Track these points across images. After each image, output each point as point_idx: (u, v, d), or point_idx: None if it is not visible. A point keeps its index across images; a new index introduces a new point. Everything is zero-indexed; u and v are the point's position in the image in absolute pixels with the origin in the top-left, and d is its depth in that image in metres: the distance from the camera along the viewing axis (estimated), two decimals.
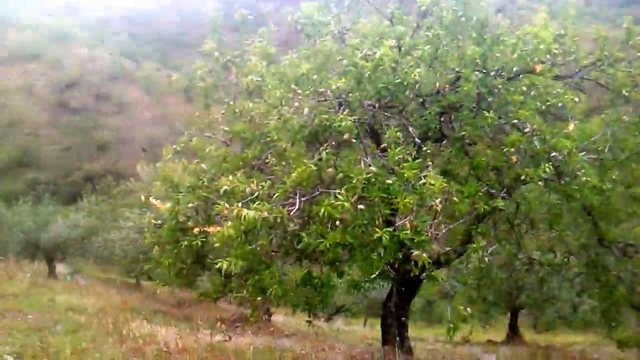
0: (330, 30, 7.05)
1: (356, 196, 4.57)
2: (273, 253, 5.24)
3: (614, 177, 8.24)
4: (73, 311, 12.66)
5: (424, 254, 4.70)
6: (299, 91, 5.13)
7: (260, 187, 4.75)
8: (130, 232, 18.90)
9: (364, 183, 4.62)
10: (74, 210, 25.85)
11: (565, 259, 12.64)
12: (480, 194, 6.11)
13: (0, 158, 65.77)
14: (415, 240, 4.69)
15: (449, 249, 7.88)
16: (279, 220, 4.38)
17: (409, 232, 4.66)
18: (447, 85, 6.72)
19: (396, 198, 4.69)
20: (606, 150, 8.85)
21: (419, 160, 5.00)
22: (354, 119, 5.03)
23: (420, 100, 6.57)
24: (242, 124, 5.93)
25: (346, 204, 4.45)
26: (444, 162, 6.78)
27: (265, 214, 4.36)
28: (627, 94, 8.59)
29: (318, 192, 4.87)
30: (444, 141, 6.82)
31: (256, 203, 4.49)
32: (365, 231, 4.76)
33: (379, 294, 19.74)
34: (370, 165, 4.86)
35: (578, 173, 6.57)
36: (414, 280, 8.88)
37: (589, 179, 6.56)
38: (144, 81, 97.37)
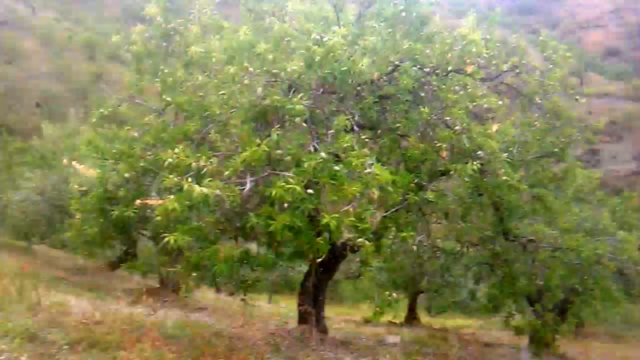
0: (270, 7, 7.02)
1: (306, 181, 4.66)
2: (218, 231, 5.21)
3: (519, 176, 8.95)
4: None
5: (367, 241, 4.91)
6: (251, 69, 5.09)
7: (209, 163, 4.69)
8: (31, 193, 17.69)
9: (314, 168, 4.71)
10: None
11: (465, 249, 13.58)
12: (412, 185, 6.42)
13: None
14: (360, 227, 4.87)
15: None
16: (231, 199, 4.38)
17: (353, 219, 4.83)
18: (383, 76, 6.95)
19: (343, 185, 4.83)
20: (514, 150, 9.57)
21: (364, 149, 5.16)
22: (307, 103, 5.08)
23: (358, 88, 6.73)
24: (184, 96, 5.78)
25: (297, 188, 4.52)
26: (377, 152, 7.02)
27: (217, 191, 4.33)
28: (539, 100, 9.33)
29: (266, 174, 4.90)
30: (379, 131, 7.05)
31: (207, 180, 4.44)
32: (312, 215, 4.87)
33: (282, 271, 20.08)
34: (318, 151, 4.95)
35: (499, 172, 7.08)
36: (333, 261, 9.14)
37: (507, 178, 7.11)
38: (42, 31, 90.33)
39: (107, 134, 6.90)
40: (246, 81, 5.15)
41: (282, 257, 6.05)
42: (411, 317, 22.53)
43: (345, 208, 4.98)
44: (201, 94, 5.89)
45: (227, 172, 4.67)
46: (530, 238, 10.39)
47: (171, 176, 4.44)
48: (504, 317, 12.34)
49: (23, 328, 6.84)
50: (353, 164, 4.90)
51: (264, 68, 5.15)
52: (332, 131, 5.19)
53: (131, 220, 6.10)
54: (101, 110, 7.12)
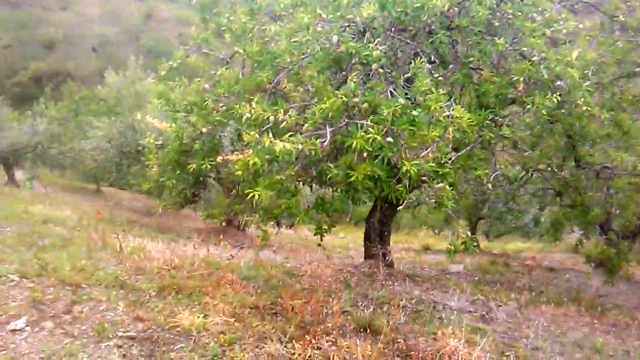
0: None
1: (386, 129, 4.57)
2: (298, 182, 5.25)
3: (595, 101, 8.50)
4: (52, 223, 12.52)
5: (446, 185, 4.84)
6: (324, 16, 4.92)
7: (288, 116, 4.66)
8: (102, 141, 18.38)
9: (393, 115, 4.61)
10: (30, 115, 24.86)
11: (531, 175, 13.27)
12: (487, 122, 6.21)
13: None
14: (440, 172, 4.80)
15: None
16: (313, 152, 4.36)
17: (433, 164, 4.75)
18: (454, 7, 6.59)
19: (423, 130, 4.73)
20: (589, 73, 9.03)
21: (443, 92, 4.98)
22: (382, 48, 4.90)
23: (429, 22, 6.42)
24: (254, 46, 5.69)
25: (377, 137, 4.45)
26: (449, 89, 6.78)
27: (300, 146, 4.32)
28: (623, 18, 8.68)
29: (344, 123, 4.83)
30: (451, 66, 6.78)
31: (288, 134, 4.43)
32: (391, 163, 4.81)
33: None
34: (396, 97, 4.82)
35: (578, 102, 6.73)
36: (397, 197, 9.14)
37: (588, 107, 6.76)
38: None
39: (178, 86, 6.92)
40: (319, 28, 4.99)
41: (357, 202, 6.07)
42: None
43: (424, 153, 4.89)
44: (271, 42, 5.78)
45: (306, 125, 4.64)
46: (605, 165, 9.99)
47: (251, 132, 4.45)
48: (571, 242, 12.15)
49: (113, 277, 7.28)
50: (432, 107, 4.74)
51: (338, 14, 4.96)
52: (407, 74, 5.01)
53: (206, 172, 6.23)
54: (170, 63, 7.13)
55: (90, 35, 76.74)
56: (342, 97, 4.61)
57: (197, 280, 7.51)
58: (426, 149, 4.92)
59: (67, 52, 72.72)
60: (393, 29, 5.52)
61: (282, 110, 4.72)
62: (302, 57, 5.44)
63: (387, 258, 10.80)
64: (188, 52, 7.21)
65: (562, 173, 11.03)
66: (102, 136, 18.30)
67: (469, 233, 5.73)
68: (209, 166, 6.06)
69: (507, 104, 7.16)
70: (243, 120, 4.85)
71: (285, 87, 5.32)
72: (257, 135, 4.43)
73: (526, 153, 11.06)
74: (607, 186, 9.67)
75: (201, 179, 7.09)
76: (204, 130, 5.85)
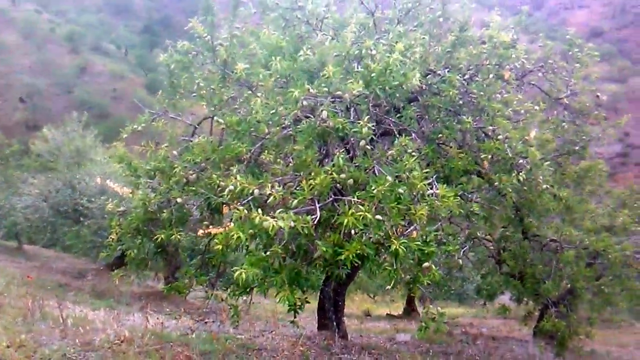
0: (306, 14, 6.81)
1: (375, 206, 4.52)
2: (283, 260, 5.06)
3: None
4: None
5: (431, 265, 4.81)
6: (312, 91, 4.91)
7: (275, 191, 4.53)
8: (37, 199, 17.32)
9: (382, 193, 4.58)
10: None
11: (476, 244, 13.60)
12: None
13: None
14: (426, 250, 4.77)
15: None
16: (305, 230, 4.23)
17: (419, 242, 4.72)
18: (424, 86, 6.81)
19: (409, 209, 4.72)
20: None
21: (427, 170, 5.03)
22: (371, 125, 4.93)
23: (402, 99, 6.57)
24: (235, 116, 5.58)
25: (368, 215, 4.39)
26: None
27: (292, 223, 4.18)
28: (566, 101, 9.27)
29: (331, 199, 4.74)
30: (418, 141, 6.93)
31: (279, 210, 4.29)
32: (380, 242, 4.74)
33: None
34: (383, 174, 4.81)
35: (539, 180, 7.01)
36: (353, 266, 9.07)
37: (549, 186, 7.06)
38: (23, 24, 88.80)
39: (145, 150, 6.65)
40: (305, 102, 4.97)
41: (336, 278, 5.94)
42: (410, 309, 22.68)
43: (408, 231, 4.86)
44: (240, 110, 5.70)
45: (295, 202, 4.51)
46: (552, 238, 10.39)
47: (239, 207, 4.27)
48: (522, 315, 12.46)
49: (59, 354, 6.65)
50: (417, 185, 4.77)
51: (325, 89, 4.96)
52: (391, 152, 5.04)
53: (176, 242, 5.93)
54: (134, 126, 6.87)
55: (18, 85, 74.27)
56: (332, 174, 4.55)
57: (151, 357, 6.99)
58: (409, 227, 4.91)
59: None
60: (372, 105, 5.59)
61: (268, 185, 4.59)
62: (283, 129, 5.38)
63: (340, 329, 10.55)
64: (154, 116, 6.99)
65: (506, 244, 11.36)
66: (37, 194, 17.29)
67: (439, 309, 5.68)
68: (179, 237, 5.78)
69: (472, 180, 7.36)
70: (226, 192, 4.67)
71: (266, 158, 5.22)
72: (242, 209, 4.27)
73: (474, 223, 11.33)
74: (557, 259, 10.01)
75: (164, 248, 6.72)
76: (179, 200, 5.59)
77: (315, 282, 5.24)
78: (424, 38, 6.23)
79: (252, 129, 5.59)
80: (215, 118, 5.97)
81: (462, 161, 6.68)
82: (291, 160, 5.32)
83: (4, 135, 25.05)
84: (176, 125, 6.93)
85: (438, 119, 6.91)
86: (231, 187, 4.66)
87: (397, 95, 5.97)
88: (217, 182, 5.14)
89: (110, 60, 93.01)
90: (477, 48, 7.21)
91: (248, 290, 5.53)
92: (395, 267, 4.72)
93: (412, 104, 6.33)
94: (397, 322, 19.43)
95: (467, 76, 7.02)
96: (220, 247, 4.67)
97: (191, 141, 6.76)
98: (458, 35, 6.93)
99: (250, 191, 4.64)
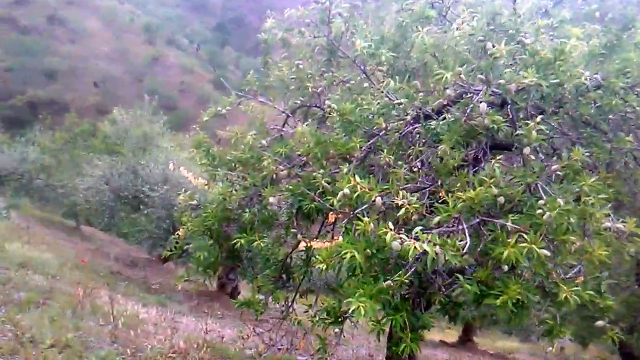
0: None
1: (542, 236, 3.31)
2: (406, 293, 3.91)
3: None
4: (30, 267, 10.87)
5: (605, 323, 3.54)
6: (463, 77, 3.74)
7: (408, 202, 3.38)
8: (99, 182, 16.85)
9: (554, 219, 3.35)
10: (22, 141, 23.42)
11: None
12: None
13: None
14: (601, 305, 3.52)
15: None
16: (457, 258, 3.06)
17: (592, 292, 3.47)
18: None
19: (589, 248, 3.48)
20: None
21: (604, 195, 3.76)
22: (545, 127, 3.72)
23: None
24: (349, 104, 4.47)
25: (535, 247, 3.18)
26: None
27: (437, 248, 3.03)
28: None
29: (477, 221, 3.55)
30: None
31: (417, 228, 3.13)
32: (542, 286, 3.52)
33: None
34: (552, 195, 3.58)
35: None
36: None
37: None
38: (105, 11, 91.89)
39: (218, 139, 5.65)
40: (449, 91, 3.83)
41: (455, 319, 4.75)
42: (466, 338, 21.14)
43: (571, 274, 3.62)
44: (366, 103, 4.54)
45: (436, 219, 3.35)
46: None
47: (388, 229, 3.14)
48: None
49: None
50: (593, 215, 3.51)
51: (481, 76, 3.78)
52: (556, 166, 3.80)
53: (257, 250, 4.88)
54: (218, 108, 5.88)
55: (94, 70, 76.56)
56: (490, 186, 3.36)
57: None
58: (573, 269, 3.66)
59: (67, 84, 72.17)
60: (532, 105, 4.32)
61: (400, 193, 3.45)
62: (410, 124, 4.23)
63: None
64: (240, 100, 5.97)
65: None
66: (100, 176, 16.81)
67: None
68: (262, 244, 4.71)
69: None
70: (339, 196, 3.57)
71: (384, 159, 4.08)
72: (389, 228, 3.15)
73: None
74: None
75: (238, 254, 5.68)
76: (271, 199, 4.51)
77: (429, 324, 4.01)
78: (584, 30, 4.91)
79: (370, 121, 4.47)
80: (328, 103, 4.84)
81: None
82: (419, 164, 4.16)
83: (76, 115, 25.10)
84: (266, 111, 5.87)
85: (585, 133, 5.58)
86: (346, 191, 3.55)
87: (562, 94, 4.66)
88: (321, 182, 4.04)
89: (182, 54, 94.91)
90: None
91: (340, 320, 4.40)
92: (559, 322, 3.48)
93: (560, 109, 5.02)
94: (452, 352, 17.99)
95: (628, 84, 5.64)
96: (323, 266, 3.57)
97: (283, 131, 5.70)
98: (617, 34, 5.57)
99: (372, 198, 3.51)
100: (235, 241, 4.79)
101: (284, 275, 5.31)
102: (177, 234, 5.76)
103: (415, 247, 2.96)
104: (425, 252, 3.00)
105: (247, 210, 4.96)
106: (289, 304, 5.52)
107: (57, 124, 33.21)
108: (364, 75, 5.02)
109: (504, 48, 3.72)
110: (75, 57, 78.47)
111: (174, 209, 14.77)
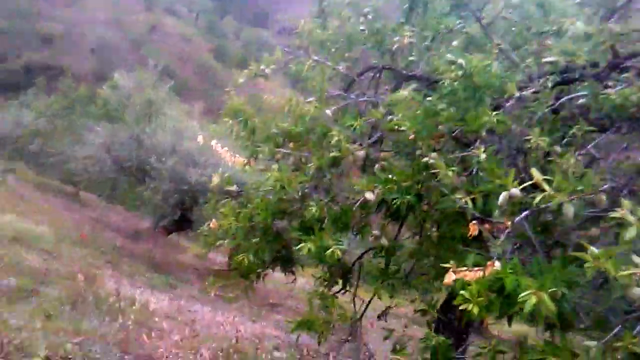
0: None
1: None
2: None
3: None
4: (24, 243, 9.74)
5: None
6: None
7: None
8: (99, 150, 15.54)
9: None
10: (17, 105, 22.13)
11: None
12: None
13: None
14: None
15: None
16: None
17: None
18: None
19: None
20: None
21: None
22: None
23: None
24: (479, 60, 3.18)
25: None
26: None
27: None
28: None
29: None
30: None
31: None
32: None
33: None
34: None
35: None
36: None
37: None
38: None
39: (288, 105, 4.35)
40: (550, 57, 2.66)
41: None
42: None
43: None
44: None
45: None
46: None
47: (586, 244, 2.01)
48: None
49: None
50: None
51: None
52: None
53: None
54: (261, 67, 4.65)
55: (91, 35, 74.34)
56: None
57: None
58: None
59: (64, 49, 70.10)
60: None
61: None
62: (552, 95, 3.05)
63: None
64: (290, 57, 4.76)
65: None
66: (100, 144, 15.50)
67: None
68: (339, 252, 3.48)
69: None
70: (501, 199, 2.41)
71: (535, 142, 2.86)
72: None
73: None
74: None
75: (290, 257, 4.52)
76: (368, 196, 3.29)
77: None
78: None
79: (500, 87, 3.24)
80: (446, 58, 3.44)
81: None
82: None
83: (72, 80, 23.67)
84: (326, 74, 4.63)
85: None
86: (514, 192, 2.40)
87: None
88: (447, 173, 2.85)
89: (181, 22, 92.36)
90: None
91: None
92: None
93: None
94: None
95: None
96: (474, 308, 2.37)
97: (351, 98, 4.47)
98: None
99: (565, 205, 2.35)
100: (301, 244, 3.52)
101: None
102: (210, 226, 4.58)
103: None
104: None
105: (313, 202, 3.76)
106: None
107: (53, 89, 31.75)
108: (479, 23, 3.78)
109: None
110: (71, 22, 76.21)
111: (184, 184, 13.61)
